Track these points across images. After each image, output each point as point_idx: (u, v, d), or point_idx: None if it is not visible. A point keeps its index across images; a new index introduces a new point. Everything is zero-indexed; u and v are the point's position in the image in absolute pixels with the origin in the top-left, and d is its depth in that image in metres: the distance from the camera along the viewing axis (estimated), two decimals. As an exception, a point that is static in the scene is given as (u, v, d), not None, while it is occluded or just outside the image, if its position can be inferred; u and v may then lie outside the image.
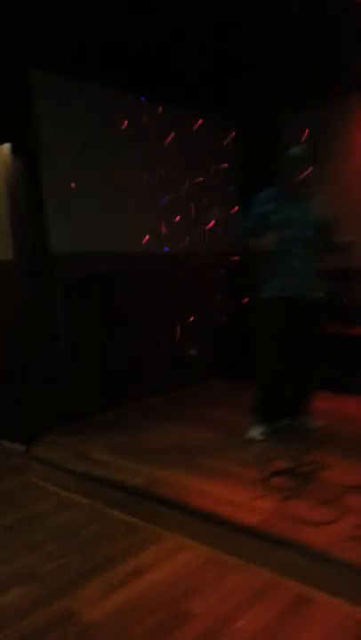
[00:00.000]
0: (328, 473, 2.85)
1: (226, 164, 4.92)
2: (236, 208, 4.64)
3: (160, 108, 4.53)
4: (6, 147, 3.79)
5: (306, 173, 3.40)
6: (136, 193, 4.54)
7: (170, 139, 4.64)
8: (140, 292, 4.64)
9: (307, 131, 4.21)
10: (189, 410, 4.30)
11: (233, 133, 5.15)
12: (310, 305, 3.44)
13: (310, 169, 3.41)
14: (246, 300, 4.18)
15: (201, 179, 4.67)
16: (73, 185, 4.02)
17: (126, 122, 4.30)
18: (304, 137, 4.11)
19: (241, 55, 4.26)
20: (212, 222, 4.74)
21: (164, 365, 4.82)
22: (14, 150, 3.78)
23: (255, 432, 3.46)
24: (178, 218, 4.69)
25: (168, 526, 2.63)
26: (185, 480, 2.89)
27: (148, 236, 4.52)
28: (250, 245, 3.45)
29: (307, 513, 2.41)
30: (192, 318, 4.95)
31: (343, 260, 3.66)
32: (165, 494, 2.75)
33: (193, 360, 5.10)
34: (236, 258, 4.87)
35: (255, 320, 3.52)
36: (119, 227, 4.43)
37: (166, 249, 4.71)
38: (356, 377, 4.63)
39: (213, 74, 4.50)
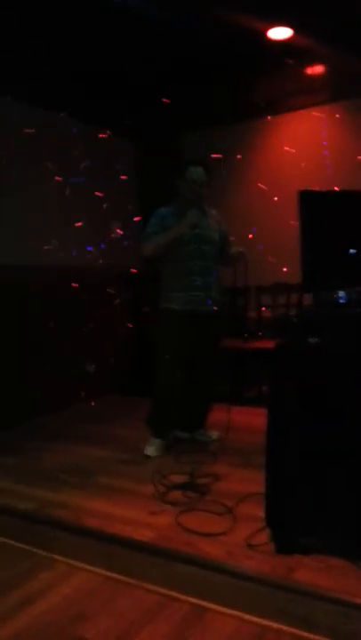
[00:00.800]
0: (222, 484, 2.87)
1: (125, 177, 4.91)
2: (138, 219, 4.66)
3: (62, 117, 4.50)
4: None
5: (202, 190, 3.45)
6: (34, 204, 4.44)
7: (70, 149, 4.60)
8: (35, 305, 4.52)
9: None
10: (86, 428, 4.19)
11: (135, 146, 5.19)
12: (210, 319, 3.47)
13: (205, 187, 3.47)
14: (145, 315, 4.17)
15: (100, 194, 4.64)
16: None
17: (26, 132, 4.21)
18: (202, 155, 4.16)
19: (145, 74, 4.33)
20: (114, 233, 4.71)
21: (60, 382, 4.69)
22: None
23: (151, 448, 3.42)
24: (79, 226, 4.64)
25: (60, 550, 2.50)
26: (78, 500, 2.79)
27: (44, 248, 4.42)
28: (158, 242, 3.39)
29: (201, 525, 2.39)
30: (90, 333, 4.88)
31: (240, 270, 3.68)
32: (57, 517, 2.63)
33: (90, 376, 5.00)
34: (135, 271, 4.88)
35: (156, 333, 3.50)
36: (13, 238, 4.29)
37: (75, 252, 4.61)
38: (250, 389, 4.75)
39: (117, 88, 4.52)
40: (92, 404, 4.83)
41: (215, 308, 3.49)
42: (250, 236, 4.61)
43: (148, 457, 3.38)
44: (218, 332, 3.64)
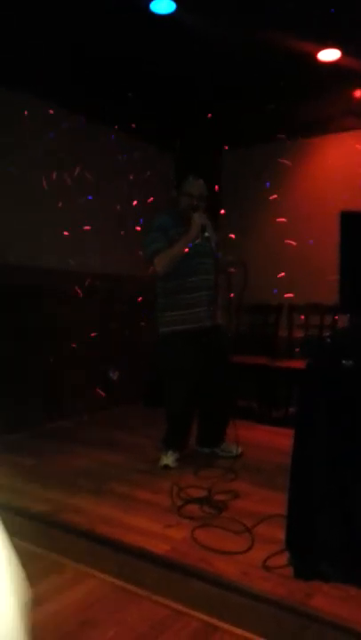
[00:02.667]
0: (241, 502, 2.79)
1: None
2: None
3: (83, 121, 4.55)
4: None
5: (201, 204, 3.37)
6: (68, 209, 4.48)
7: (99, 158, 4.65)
8: (60, 309, 4.53)
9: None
10: (105, 434, 4.16)
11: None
12: (216, 332, 3.44)
13: (204, 201, 3.39)
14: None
15: (135, 202, 4.66)
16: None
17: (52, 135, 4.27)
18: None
19: (191, 89, 4.34)
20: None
21: (83, 388, 4.68)
22: None
23: (169, 459, 3.37)
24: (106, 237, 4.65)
25: (72, 555, 2.47)
26: (93, 507, 2.75)
27: (75, 254, 4.45)
28: (171, 255, 3.31)
29: (218, 543, 2.33)
30: (117, 341, 4.87)
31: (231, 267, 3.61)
32: (71, 522, 2.60)
33: (113, 384, 4.98)
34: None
35: (159, 355, 3.47)
36: (44, 241, 4.33)
37: (105, 260, 4.61)
38: (277, 409, 4.68)
39: (161, 103, 4.55)
40: (116, 412, 4.82)
41: (219, 322, 3.47)
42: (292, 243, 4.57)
43: (167, 467, 3.33)
44: (225, 345, 3.59)
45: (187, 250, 3.27)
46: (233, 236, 3.99)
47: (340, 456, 2.05)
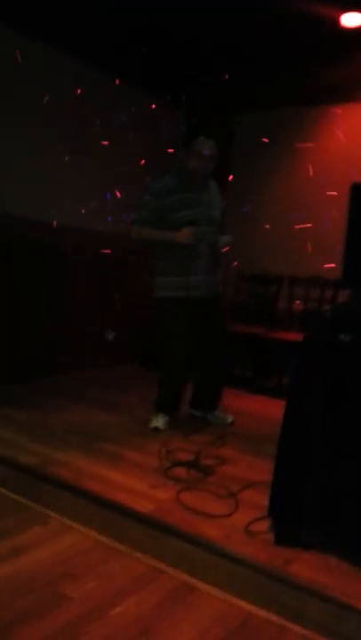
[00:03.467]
0: (228, 468, 2.82)
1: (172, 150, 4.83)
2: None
3: (117, 81, 4.43)
4: None
5: (211, 165, 3.29)
6: (76, 164, 4.41)
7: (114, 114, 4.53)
8: (63, 265, 4.50)
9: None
10: (99, 393, 4.17)
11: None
12: (214, 301, 3.41)
13: (213, 162, 3.29)
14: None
15: (143, 161, 4.57)
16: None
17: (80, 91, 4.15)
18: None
19: (208, 47, 4.19)
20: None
21: (80, 345, 4.68)
22: None
23: (160, 422, 3.38)
24: (117, 195, 4.58)
25: (57, 508, 2.48)
26: (82, 463, 2.77)
27: (81, 210, 4.38)
28: (149, 237, 3.32)
29: (202, 505, 2.35)
30: (116, 301, 4.84)
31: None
32: (58, 475, 2.61)
33: (110, 344, 4.98)
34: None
35: (157, 318, 3.44)
36: (49, 195, 4.26)
37: (110, 219, 4.55)
38: (271, 379, 4.69)
39: (173, 58, 4.40)
40: (112, 372, 4.83)
41: (217, 290, 3.44)
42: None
43: (156, 429, 3.35)
44: (221, 313, 3.56)
45: (160, 242, 3.27)
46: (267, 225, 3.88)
47: (332, 429, 2.05)
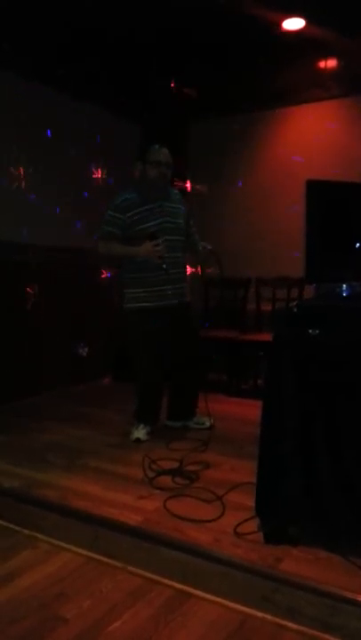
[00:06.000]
0: (212, 472, 2.83)
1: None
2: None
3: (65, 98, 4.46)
4: None
5: (169, 172, 3.32)
6: (36, 183, 4.43)
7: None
8: (30, 283, 4.49)
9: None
10: (75, 409, 4.16)
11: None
12: (182, 310, 3.43)
13: (170, 169, 3.33)
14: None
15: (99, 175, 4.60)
16: None
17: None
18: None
19: (155, 53, 4.22)
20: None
21: (53, 363, 4.65)
22: None
23: (140, 433, 3.38)
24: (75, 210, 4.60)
25: (45, 530, 2.47)
26: (66, 481, 2.75)
27: (42, 226, 4.38)
28: (114, 252, 3.33)
29: (190, 512, 2.36)
30: (85, 316, 4.84)
31: (208, 267, 3.61)
32: (43, 496, 2.59)
33: (82, 359, 4.96)
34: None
35: (127, 331, 3.45)
36: (13, 217, 4.26)
37: (71, 232, 4.53)
38: (246, 381, 4.73)
39: (126, 67, 4.42)
40: (86, 386, 4.82)
41: (186, 299, 3.46)
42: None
43: (138, 440, 3.35)
44: (191, 321, 3.59)
45: (126, 257, 3.29)
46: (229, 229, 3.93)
47: (308, 422, 2.08)
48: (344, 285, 2.43)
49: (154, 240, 3.19)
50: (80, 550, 2.32)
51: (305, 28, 3.78)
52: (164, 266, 3.23)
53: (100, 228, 3.35)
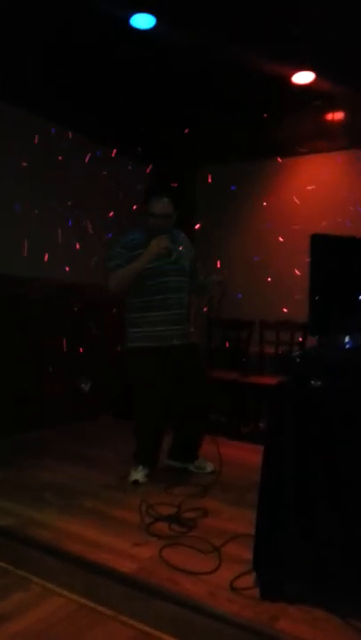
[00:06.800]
0: (210, 521, 2.80)
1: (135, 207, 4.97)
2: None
3: (70, 134, 4.55)
4: None
5: (168, 222, 3.37)
6: (43, 217, 4.48)
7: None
8: (33, 318, 4.51)
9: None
10: (74, 448, 4.13)
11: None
12: (187, 351, 3.43)
13: (170, 219, 3.38)
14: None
15: (111, 213, 4.67)
16: None
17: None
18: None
19: (167, 105, 4.38)
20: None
21: (52, 399, 4.64)
22: None
23: (139, 475, 3.36)
24: (78, 246, 4.65)
25: (38, 572, 2.42)
26: (61, 522, 2.73)
27: (45, 261, 4.43)
28: (127, 274, 3.30)
29: (185, 562, 2.33)
30: (88, 351, 4.85)
31: (213, 300, 3.59)
32: (37, 537, 2.57)
33: (83, 396, 4.95)
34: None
35: (130, 370, 3.44)
36: (14, 249, 4.31)
37: (76, 269, 4.54)
38: (247, 424, 4.70)
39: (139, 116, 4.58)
40: (86, 424, 4.79)
41: (191, 340, 3.47)
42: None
43: (136, 482, 3.32)
44: (198, 362, 3.58)
45: (136, 271, 3.26)
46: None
47: (307, 475, 2.07)
48: (347, 337, 2.44)
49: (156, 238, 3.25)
50: (73, 596, 2.27)
51: (314, 81, 3.90)
52: (174, 255, 3.29)
53: (107, 264, 3.38)
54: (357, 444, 2.04)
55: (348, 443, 2.06)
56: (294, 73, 3.82)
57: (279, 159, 5.19)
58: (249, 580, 2.14)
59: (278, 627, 1.89)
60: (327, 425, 2.09)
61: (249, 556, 2.14)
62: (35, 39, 3.45)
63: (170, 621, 2.02)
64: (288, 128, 4.64)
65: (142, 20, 3.30)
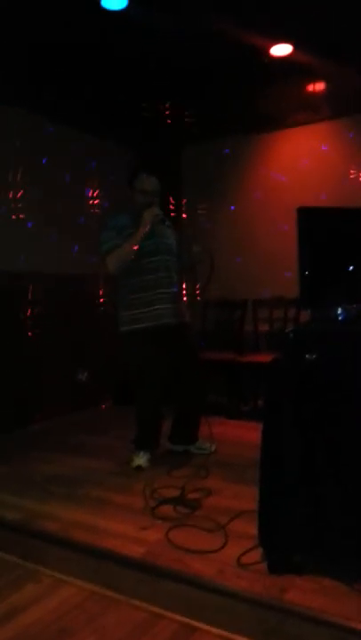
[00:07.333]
0: (214, 500, 2.82)
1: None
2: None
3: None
4: None
5: (156, 200, 3.39)
6: (34, 205, 4.49)
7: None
8: (31, 311, 4.51)
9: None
10: (77, 437, 4.14)
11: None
12: (180, 330, 3.44)
13: (158, 197, 3.40)
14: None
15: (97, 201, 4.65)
16: None
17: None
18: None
19: (147, 84, 4.29)
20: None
21: (53, 390, 4.64)
22: None
23: (141, 460, 3.37)
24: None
25: (47, 563, 2.45)
26: (67, 512, 2.74)
27: (42, 254, 4.41)
28: (123, 252, 3.27)
29: (192, 542, 2.34)
30: (85, 341, 4.84)
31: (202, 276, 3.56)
32: (45, 529, 2.58)
33: (83, 385, 4.95)
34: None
35: (125, 353, 3.45)
36: (11, 245, 4.28)
37: (70, 259, 4.53)
38: (246, 403, 4.72)
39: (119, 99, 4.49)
40: (86, 413, 4.80)
41: (183, 319, 3.47)
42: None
43: (139, 468, 3.33)
44: (191, 342, 3.59)
45: (136, 247, 3.24)
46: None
47: (308, 447, 2.08)
48: (339, 309, 2.44)
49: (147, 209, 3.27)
50: (83, 583, 2.30)
51: (292, 53, 3.85)
52: (167, 222, 3.35)
53: (101, 249, 3.36)
54: (353, 413, 2.05)
55: (345, 413, 2.07)
56: (272, 45, 3.76)
57: (267, 133, 5.15)
58: (256, 555, 2.16)
59: (288, 598, 1.91)
60: (324, 397, 2.10)
61: (254, 531, 2.15)
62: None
63: (181, 601, 2.05)
64: (270, 101, 4.58)
65: (114, 1, 3.24)
